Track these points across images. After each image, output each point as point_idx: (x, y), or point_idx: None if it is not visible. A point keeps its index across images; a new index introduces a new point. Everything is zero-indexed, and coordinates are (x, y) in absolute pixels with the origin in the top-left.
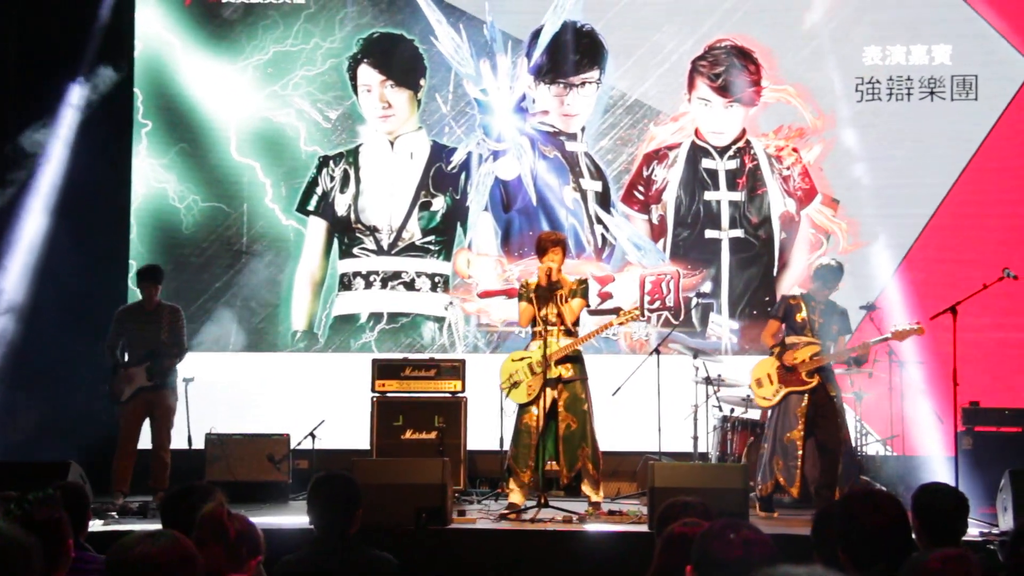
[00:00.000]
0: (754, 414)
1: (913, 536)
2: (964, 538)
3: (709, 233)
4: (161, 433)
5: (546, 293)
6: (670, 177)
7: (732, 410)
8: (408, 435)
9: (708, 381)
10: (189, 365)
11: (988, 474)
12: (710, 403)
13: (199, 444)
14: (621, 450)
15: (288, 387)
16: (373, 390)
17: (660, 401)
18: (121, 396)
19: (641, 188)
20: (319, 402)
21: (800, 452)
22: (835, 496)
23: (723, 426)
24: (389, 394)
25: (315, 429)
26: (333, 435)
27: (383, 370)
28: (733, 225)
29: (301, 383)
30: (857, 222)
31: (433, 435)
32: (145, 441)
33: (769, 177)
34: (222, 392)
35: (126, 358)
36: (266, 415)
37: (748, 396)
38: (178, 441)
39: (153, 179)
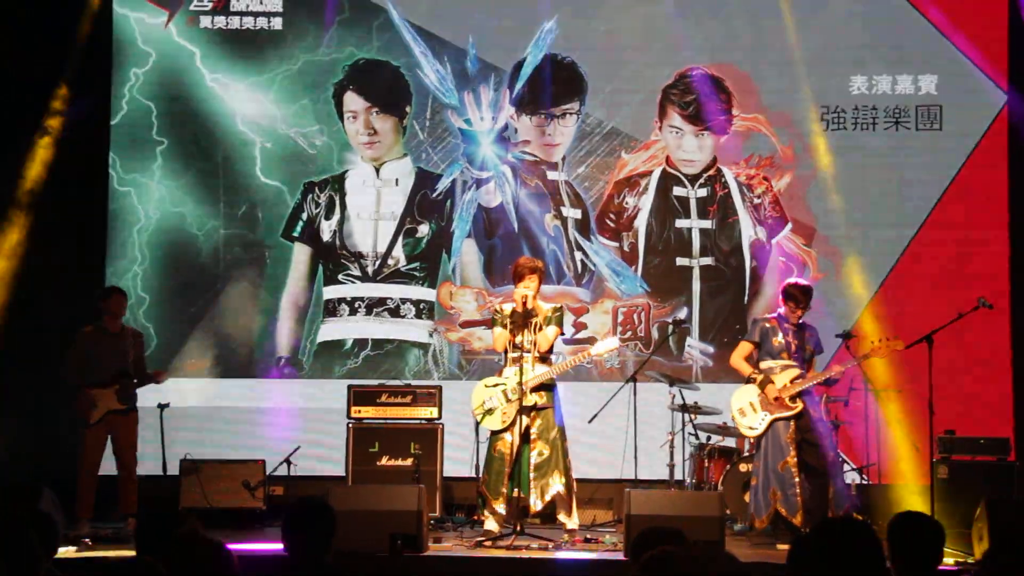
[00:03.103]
0: (731, 441)
1: (888, 565)
2: (940, 567)
3: (680, 261)
4: (130, 457)
5: (521, 320)
6: (641, 205)
7: (709, 438)
8: (384, 461)
9: (684, 408)
10: (166, 390)
11: (964, 503)
12: (686, 431)
13: (173, 470)
14: (597, 477)
15: (265, 413)
16: (349, 416)
17: (636, 428)
18: (90, 418)
19: (612, 216)
20: (296, 428)
21: (797, 479)
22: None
23: (699, 453)
24: (365, 420)
25: (291, 456)
26: (309, 461)
27: (359, 396)
28: (704, 253)
29: (279, 409)
30: (833, 250)
31: (409, 462)
32: (106, 467)
33: (740, 205)
34: (198, 418)
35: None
36: (242, 441)
37: (725, 424)
38: (152, 467)
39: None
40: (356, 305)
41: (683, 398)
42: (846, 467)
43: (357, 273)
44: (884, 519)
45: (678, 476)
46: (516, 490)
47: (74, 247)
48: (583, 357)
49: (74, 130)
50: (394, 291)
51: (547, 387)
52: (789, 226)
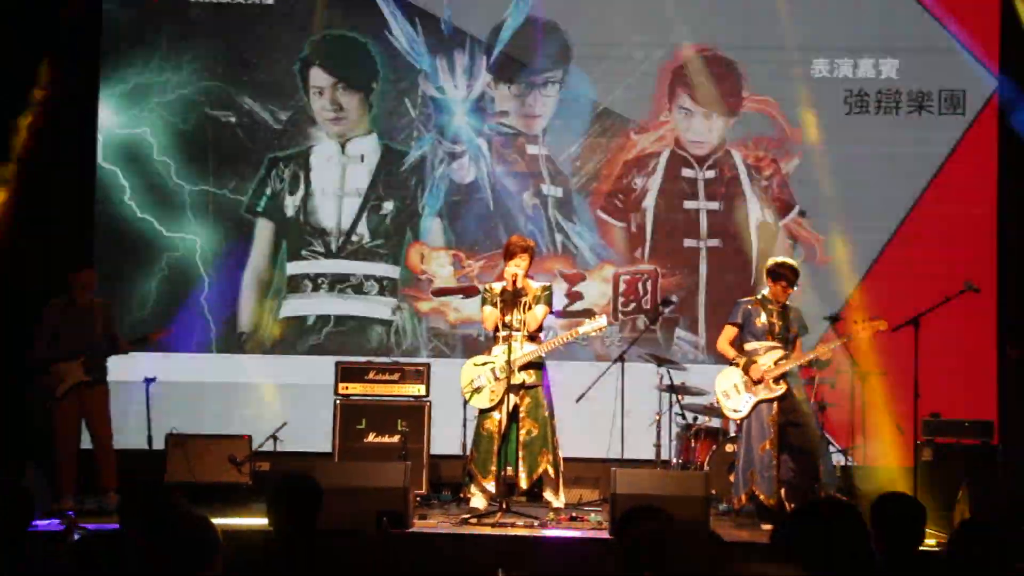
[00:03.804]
0: (717, 422)
1: (871, 544)
2: (921, 548)
3: (688, 242)
4: (104, 429)
5: (510, 298)
6: (649, 186)
7: (695, 418)
8: (371, 439)
9: (672, 389)
10: (151, 363)
11: (947, 485)
12: (673, 411)
13: (159, 444)
14: (584, 456)
15: (248, 389)
16: (336, 393)
17: (623, 408)
18: (57, 392)
19: (620, 196)
20: (281, 404)
21: (775, 462)
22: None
23: (686, 434)
24: (353, 397)
25: (277, 431)
26: (296, 438)
27: (347, 373)
28: (711, 234)
29: (261, 385)
30: (823, 234)
31: (396, 439)
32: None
33: (748, 187)
34: (183, 392)
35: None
36: (227, 416)
37: (711, 404)
38: (138, 440)
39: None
40: (319, 281)
41: (671, 379)
42: (831, 448)
43: (321, 249)
44: (868, 500)
45: (664, 456)
46: (507, 467)
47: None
48: (571, 336)
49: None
50: (357, 268)
51: (535, 366)
52: (797, 209)
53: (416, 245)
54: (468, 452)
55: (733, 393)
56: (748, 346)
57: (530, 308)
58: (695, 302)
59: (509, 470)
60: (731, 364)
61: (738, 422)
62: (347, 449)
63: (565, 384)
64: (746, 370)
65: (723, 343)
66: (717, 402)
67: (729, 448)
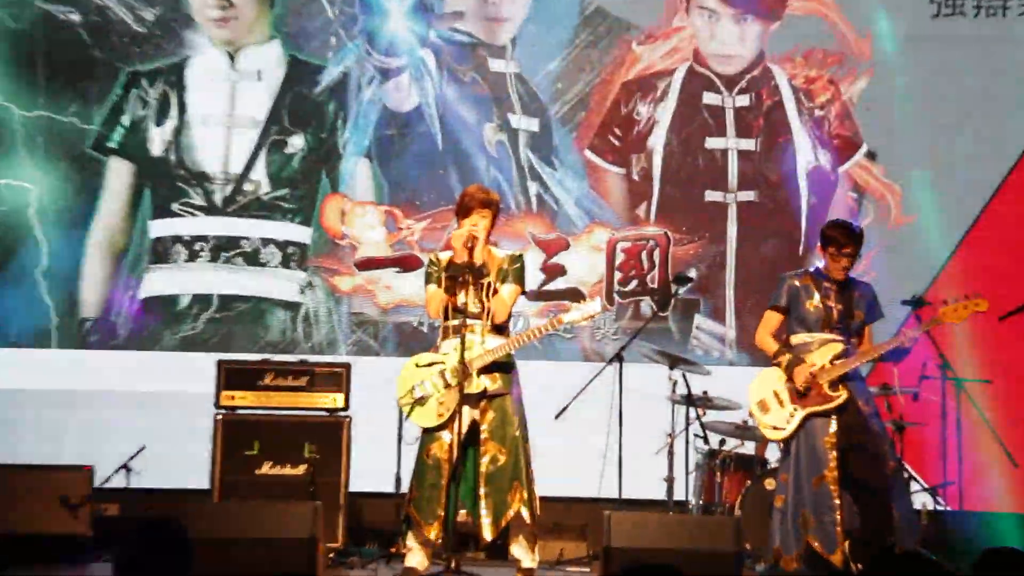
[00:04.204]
0: (752, 447)
1: None
2: None
3: (711, 195)
4: None
5: (466, 273)
6: (658, 116)
7: (722, 441)
8: (266, 469)
9: (690, 401)
10: None
11: None
12: (692, 431)
13: None
14: (566, 495)
15: (90, 398)
16: (218, 405)
17: (622, 428)
18: None
19: (618, 131)
20: (136, 421)
21: (837, 501)
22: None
23: (709, 463)
24: (240, 410)
25: (131, 459)
26: (159, 468)
27: (233, 376)
28: (744, 185)
29: (107, 393)
30: (900, 184)
31: (301, 469)
32: None
33: (795, 119)
34: None
35: None
36: (59, 439)
37: (744, 422)
38: None
39: None
40: (197, 247)
41: (688, 386)
42: (913, 486)
43: (200, 202)
44: (965, 558)
45: (679, 495)
46: (462, 510)
47: None
48: (551, 327)
49: None
50: (252, 228)
51: (502, 367)
52: (863, 150)
53: (334, 198)
54: (407, 489)
55: (773, 404)
56: (796, 339)
57: (494, 288)
58: (721, 279)
59: (464, 514)
60: (772, 364)
61: (781, 445)
62: (231, 484)
63: (540, 393)
64: (790, 372)
65: (763, 334)
66: (751, 417)
67: (769, 484)
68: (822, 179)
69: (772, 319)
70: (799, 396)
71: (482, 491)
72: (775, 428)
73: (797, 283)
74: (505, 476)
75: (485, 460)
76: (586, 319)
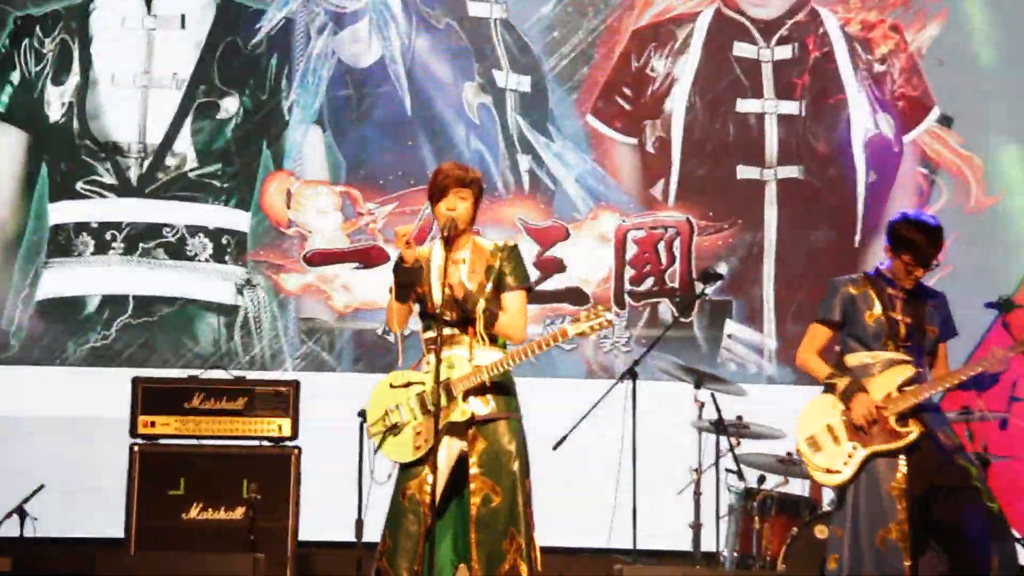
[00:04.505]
0: (800, 485)
1: None
2: None
3: (744, 171)
4: None
5: (444, 269)
6: (678, 73)
7: (761, 478)
8: (195, 513)
9: (720, 427)
10: None
11: None
12: (723, 466)
13: None
14: (570, 546)
15: None
16: (134, 433)
17: (636, 462)
18: None
19: (628, 91)
20: (32, 454)
21: (908, 562)
22: None
23: (745, 506)
24: (162, 440)
25: (26, 501)
26: (62, 512)
27: (153, 397)
28: (786, 158)
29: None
30: (983, 157)
31: (240, 513)
32: None
33: (850, 76)
34: None
35: None
36: None
37: (790, 454)
38: None
39: None
40: (108, 236)
41: (718, 409)
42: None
43: (111, 180)
44: None
45: (708, 545)
46: (455, 565)
47: None
48: (555, 339)
49: None
50: (176, 213)
51: (499, 386)
52: (935, 114)
53: (278, 176)
54: (379, 538)
55: (826, 441)
56: (853, 359)
57: (482, 283)
58: (758, 275)
59: (455, 569)
60: (824, 390)
61: (837, 491)
62: (152, 532)
63: (534, 419)
64: (847, 402)
65: (808, 353)
66: (799, 454)
67: (821, 532)
68: (883, 150)
69: (820, 335)
70: (859, 431)
71: (473, 538)
72: (829, 471)
73: (853, 290)
74: (499, 521)
75: (476, 501)
76: (597, 331)
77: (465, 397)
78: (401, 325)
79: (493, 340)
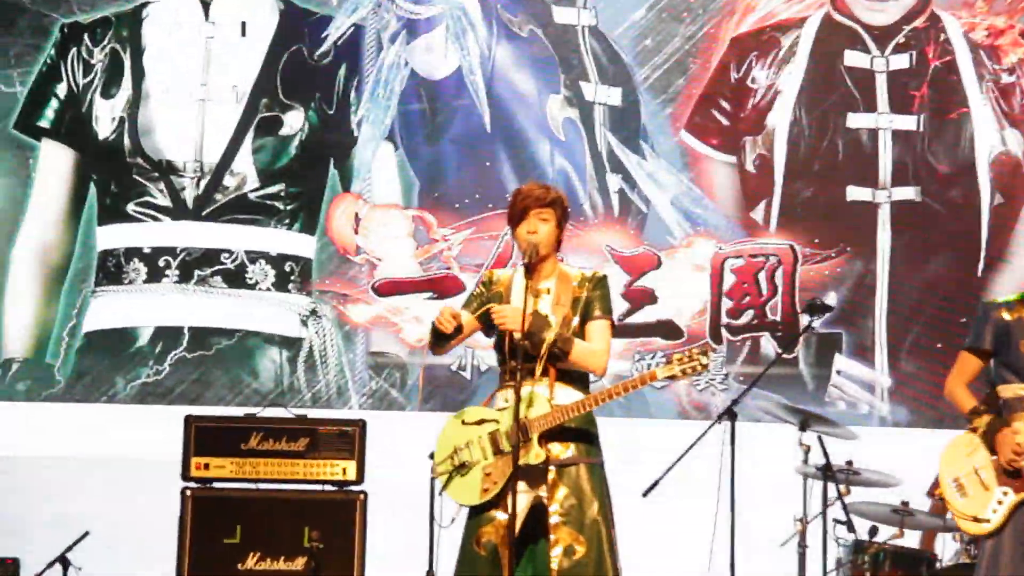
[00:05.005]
0: (915, 538)
1: None
2: None
3: (854, 193)
4: None
5: (524, 302)
6: (782, 85)
7: (874, 530)
8: (252, 563)
9: (829, 474)
10: None
11: None
12: (831, 516)
13: None
14: None
15: (16, 467)
16: (186, 476)
17: (734, 511)
18: None
19: (726, 104)
20: (78, 497)
21: None
22: None
23: (856, 560)
24: (217, 483)
25: (70, 549)
26: (106, 560)
27: (208, 437)
28: (901, 179)
29: (38, 459)
30: None
31: (300, 564)
32: None
33: (974, 88)
34: None
35: None
36: None
37: (906, 504)
38: None
39: None
40: (161, 263)
41: (825, 453)
42: None
43: (165, 202)
44: None
45: None
46: None
47: None
48: (643, 382)
49: None
50: (236, 237)
51: (580, 430)
52: None
53: (346, 198)
54: None
55: (972, 485)
56: (1007, 390)
57: (568, 316)
58: (870, 307)
59: None
60: (967, 427)
61: (980, 540)
62: None
63: (620, 463)
64: (990, 441)
65: (956, 384)
66: (941, 498)
67: None
68: (1011, 170)
69: (968, 364)
70: (1010, 475)
71: None
72: (976, 519)
73: (1007, 316)
74: (586, 574)
75: (557, 553)
76: (689, 376)
77: (541, 440)
78: (442, 352)
79: (575, 379)
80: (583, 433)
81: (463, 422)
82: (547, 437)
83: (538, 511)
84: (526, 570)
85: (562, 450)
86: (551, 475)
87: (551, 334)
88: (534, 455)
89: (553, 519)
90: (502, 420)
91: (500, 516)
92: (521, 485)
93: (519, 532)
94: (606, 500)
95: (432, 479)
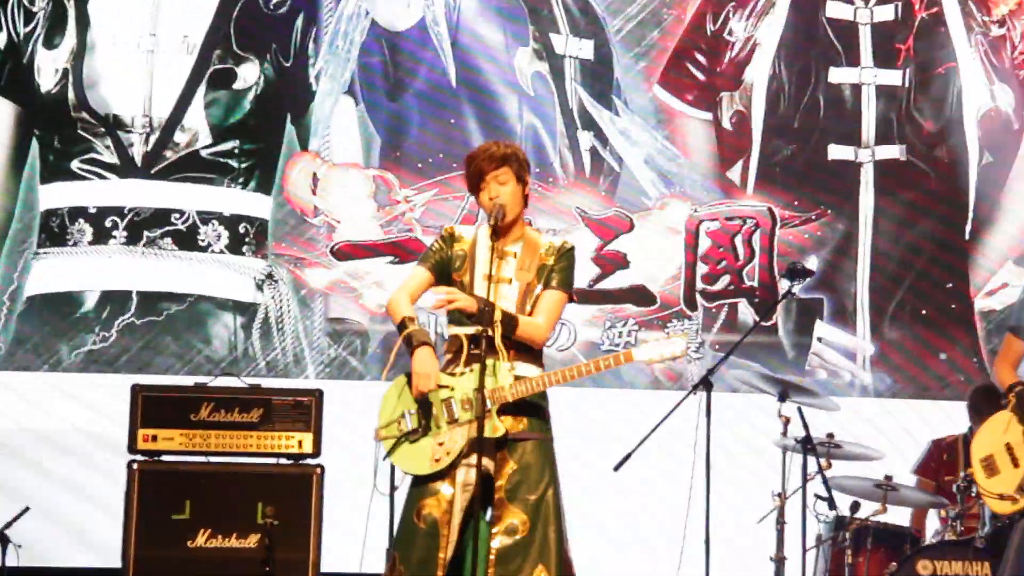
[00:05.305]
0: (901, 515)
1: None
2: None
3: (836, 151)
4: None
5: (489, 264)
6: (761, 37)
7: (856, 505)
8: (202, 540)
9: (809, 446)
10: None
11: None
12: (811, 491)
13: None
14: None
15: None
16: (133, 448)
17: (710, 486)
18: None
19: (701, 58)
20: (17, 471)
21: None
22: None
23: (836, 537)
24: (165, 456)
25: (9, 525)
26: (47, 538)
27: (155, 407)
28: (885, 136)
29: None
30: None
31: (254, 541)
32: None
33: (962, 41)
34: None
35: None
36: None
37: (889, 478)
38: None
39: None
40: (108, 223)
41: (805, 425)
42: None
43: (111, 159)
44: None
45: None
46: None
47: None
48: (615, 362)
49: None
50: (187, 197)
51: (531, 403)
52: None
53: (303, 157)
54: (385, 561)
55: (1004, 463)
56: None
57: (532, 284)
58: (851, 271)
59: None
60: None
61: (1004, 517)
62: (153, 562)
63: (590, 436)
64: (1020, 416)
65: (1001, 364)
66: (970, 477)
67: (924, 568)
68: (1001, 128)
69: (1013, 346)
70: None
71: (490, 573)
72: (1002, 497)
73: None
74: (528, 555)
75: (498, 530)
76: (667, 360)
77: (499, 412)
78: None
79: (531, 353)
80: (535, 408)
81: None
82: (500, 411)
83: (487, 485)
84: (471, 547)
85: (514, 424)
86: (503, 452)
87: (498, 312)
88: (491, 427)
89: (498, 495)
90: (456, 387)
91: (444, 490)
92: (473, 458)
93: (466, 508)
94: (556, 480)
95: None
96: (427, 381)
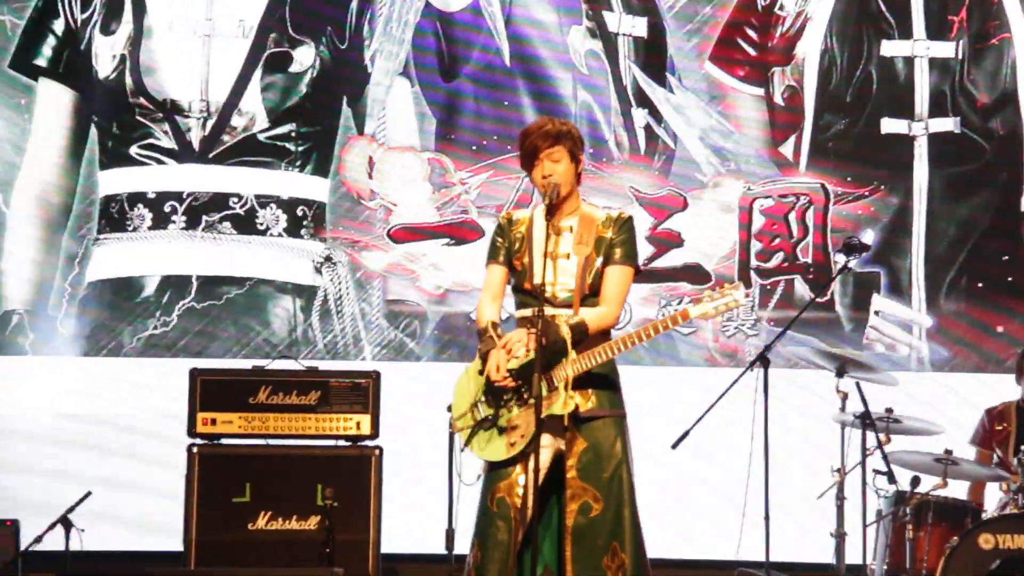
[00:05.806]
0: (960, 488)
1: None
2: None
3: (889, 125)
4: None
5: (546, 242)
6: (812, 11)
7: (916, 480)
8: (262, 523)
9: (868, 422)
10: None
11: None
12: (871, 466)
13: None
14: (689, 558)
15: (16, 427)
16: (192, 432)
17: (768, 463)
18: None
19: (753, 34)
20: (79, 456)
21: None
22: None
23: (896, 513)
24: (225, 440)
25: (72, 510)
26: (109, 522)
27: (214, 391)
28: (939, 109)
29: (39, 417)
30: None
31: (314, 523)
32: None
33: (1016, 11)
34: None
35: None
36: None
37: (949, 452)
38: None
39: None
40: (167, 208)
41: (864, 400)
42: None
43: (169, 144)
44: None
45: (853, 557)
46: None
47: None
48: (674, 322)
49: None
50: (244, 181)
51: (601, 378)
52: None
53: (359, 141)
54: (468, 548)
55: None
56: None
57: (592, 257)
58: (906, 247)
59: None
60: None
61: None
62: (214, 546)
63: (646, 414)
64: None
65: None
66: (999, 451)
67: (986, 541)
68: None
69: None
70: None
71: (568, 552)
72: None
73: None
74: (601, 532)
75: (573, 508)
76: (723, 312)
77: (567, 388)
78: (494, 310)
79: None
80: (605, 380)
81: (480, 372)
82: (572, 386)
83: (559, 466)
84: (544, 527)
85: (583, 401)
86: (572, 432)
87: (565, 330)
88: (562, 404)
89: (570, 474)
90: (524, 370)
91: (518, 475)
92: (545, 439)
93: (545, 484)
94: (628, 456)
95: (451, 433)
96: (498, 371)
